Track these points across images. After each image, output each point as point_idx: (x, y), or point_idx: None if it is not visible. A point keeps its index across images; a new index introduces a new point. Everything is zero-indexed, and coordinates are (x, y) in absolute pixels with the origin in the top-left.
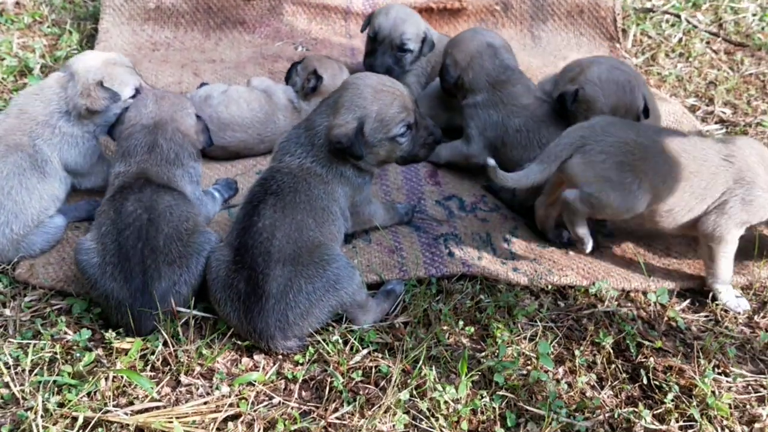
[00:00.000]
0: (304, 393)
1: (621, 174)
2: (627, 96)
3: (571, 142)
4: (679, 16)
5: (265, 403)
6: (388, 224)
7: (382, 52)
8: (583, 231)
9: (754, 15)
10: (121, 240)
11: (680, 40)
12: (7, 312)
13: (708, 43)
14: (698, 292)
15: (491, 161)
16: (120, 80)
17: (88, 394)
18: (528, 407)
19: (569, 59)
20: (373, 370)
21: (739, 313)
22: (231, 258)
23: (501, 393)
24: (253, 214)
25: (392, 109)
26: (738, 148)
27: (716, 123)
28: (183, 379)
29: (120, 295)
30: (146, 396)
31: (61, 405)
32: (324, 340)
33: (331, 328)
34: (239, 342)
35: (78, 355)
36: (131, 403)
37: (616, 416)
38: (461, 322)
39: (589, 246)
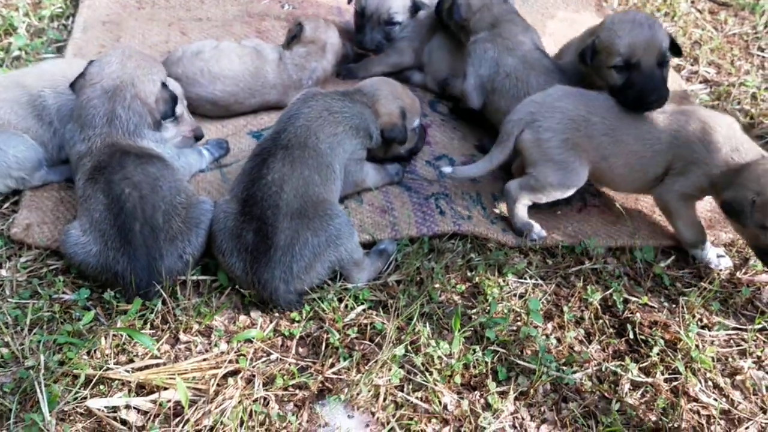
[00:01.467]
0: (301, 349)
1: (564, 152)
2: (645, 31)
3: (521, 118)
4: None
5: (264, 359)
6: (379, 185)
7: (370, 28)
8: (526, 220)
9: None
10: (119, 225)
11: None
12: (4, 272)
13: (693, 2)
14: (682, 249)
15: (447, 169)
16: None
17: (88, 352)
18: (519, 361)
19: (557, 18)
20: (368, 327)
21: (721, 270)
22: (239, 209)
23: (492, 348)
24: (262, 167)
25: (417, 103)
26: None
27: (701, 83)
28: (182, 336)
29: (126, 276)
30: (146, 353)
31: (61, 363)
32: (320, 298)
33: (326, 286)
34: (237, 300)
35: (77, 314)
36: (131, 361)
37: (603, 369)
38: (453, 280)
39: (535, 233)
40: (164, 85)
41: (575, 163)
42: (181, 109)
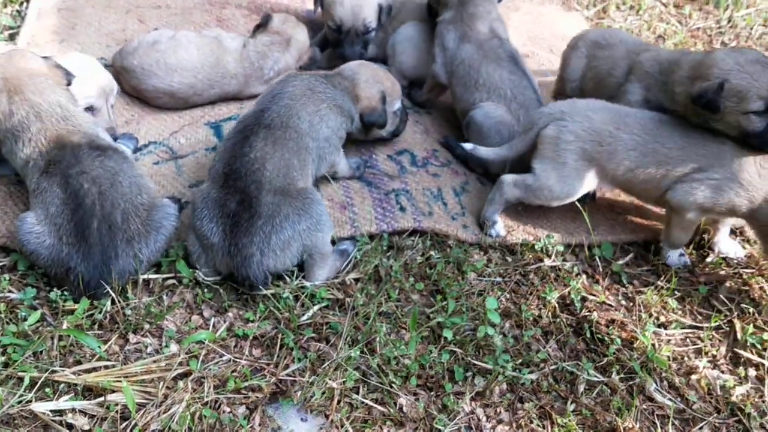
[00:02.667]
0: (255, 350)
1: (577, 161)
2: None
3: (551, 113)
4: None
5: (216, 360)
6: (345, 175)
7: (350, 42)
8: (495, 216)
9: None
10: (76, 220)
11: None
12: None
13: None
14: (641, 245)
15: (468, 145)
16: None
17: (34, 353)
18: (475, 362)
19: (522, 10)
20: (324, 326)
21: (680, 268)
22: (222, 182)
23: (450, 348)
24: (244, 145)
25: (397, 86)
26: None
27: None
28: (132, 337)
29: (78, 272)
30: (94, 355)
31: (5, 365)
32: (274, 296)
33: (282, 284)
34: (190, 299)
35: (23, 314)
36: (78, 363)
37: (560, 369)
38: (411, 279)
39: (495, 230)
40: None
41: (582, 175)
42: (101, 103)
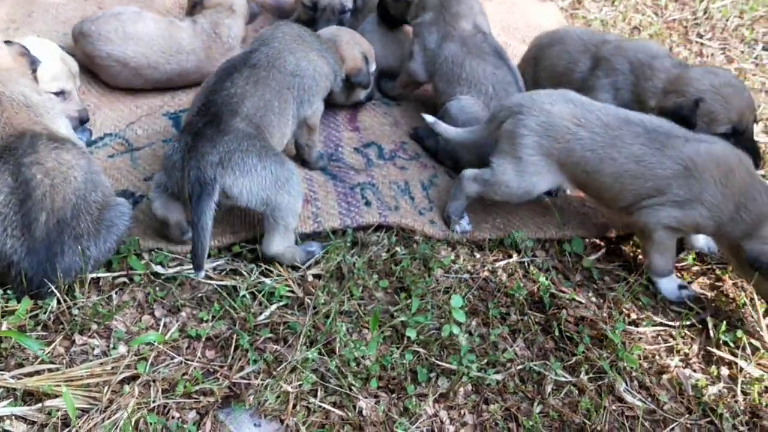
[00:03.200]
0: (208, 352)
1: (533, 156)
2: (746, 95)
3: (510, 106)
4: None
5: (167, 362)
6: (314, 155)
7: (325, 20)
8: (459, 212)
9: None
10: (24, 212)
11: None
12: None
13: None
14: (613, 241)
15: (429, 117)
16: None
17: None
18: (439, 362)
19: (496, 0)
20: (282, 326)
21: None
22: (196, 111)
23: (413, 348)
24: (226, 80)
25: (372, 48)
26: (704, 153)
27: None
28: (77, 338)
29: (21, 267)
30: (37, 358)
31: None
32: (230, 294)
33: (239, 279)
34: (141, 298)
35: None
36: (20, 366)
37: (527, 369)
38: (375, 276)
39: (460, 226)
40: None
41: (539, 171)
42: (71, 86)
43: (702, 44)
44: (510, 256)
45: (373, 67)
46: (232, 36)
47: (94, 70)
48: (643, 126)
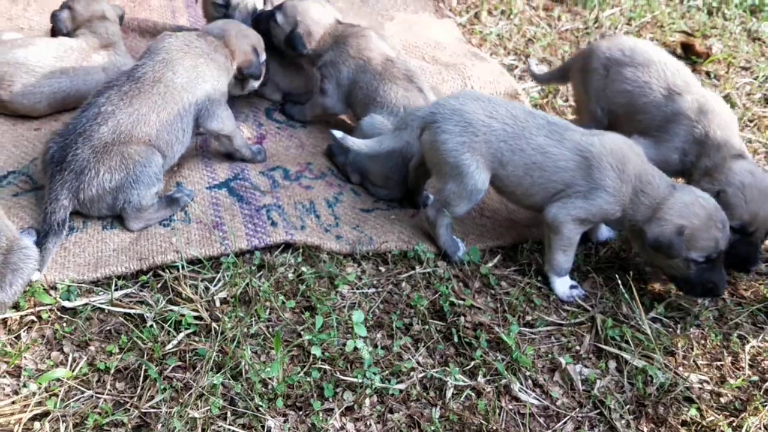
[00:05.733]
0: (118, 384)
1: (459, 156)
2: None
3: (423, 116)
4: None
5: (77, 397)
6: (241, 149)
7: (239, 20)
8: (445, 238)
9: None
10: None
11: None
12: None
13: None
14: (509, 247)
15: (338, 133)
16: None
17: None
18: (344, 377)
19: (396, 20)
20: (190, 354)
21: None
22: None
23: (318, 365)
24: (101, 96)
25: (261, 39)
26: (598, 144)
27: (533, 81)
28: None
29: None
30: None
31: None
32: (137, 326)
33: (146, 308)
34: (50, 334)
35: None
36: None
37: (428, 376)
38: (282, 297)
39: (459, 254)
40: None
41: (471, 167)
42: None
43: None
44: (413, 268)
45: (263, 57)
46: (110, 33)
47: None
48: (545, 119)
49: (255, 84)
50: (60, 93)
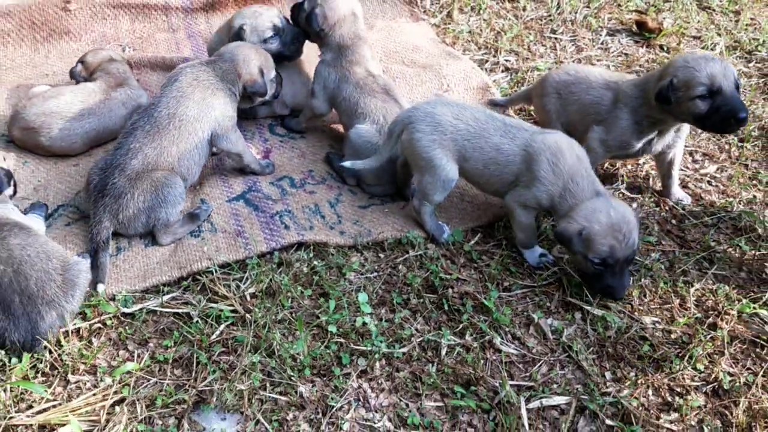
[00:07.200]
0: (176, 371)
1: (431, 151)
2: (717, 62)
3: (401, 121)
4: None
5: (145, 384)
6: (252, 165)
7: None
8: (430, 224)
9: None
10: (0, 300)
11: None
12: None
13: None
14: (487, 226)
15: (347, 163)
16: None
17: None
18: (356, 347)
19: (376, 27)
20: (231, 340)
21: (543, 266)
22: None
23: (335, 340)
24: (129, 136)
25: (270, 59)
26: (539, 140)
27: (502, 72)
28: (71, 378)
29: (12, 339)
30: (42, 398)
31: None
32: (185, 323)
33: (191, 308)
34: (115, 337)
35: None
36: (30, 407)
37: (425, 340)
38: (300, 287)
39: (445, 235)
40: None
41: (442, 160)
42: None
43: (556, 39)
44: (407, 252)
45: (271, 75)
46: (121, 71)
47: (38, 153)
48: (503, 122)
49: (264, 98)
50: (91, 132)
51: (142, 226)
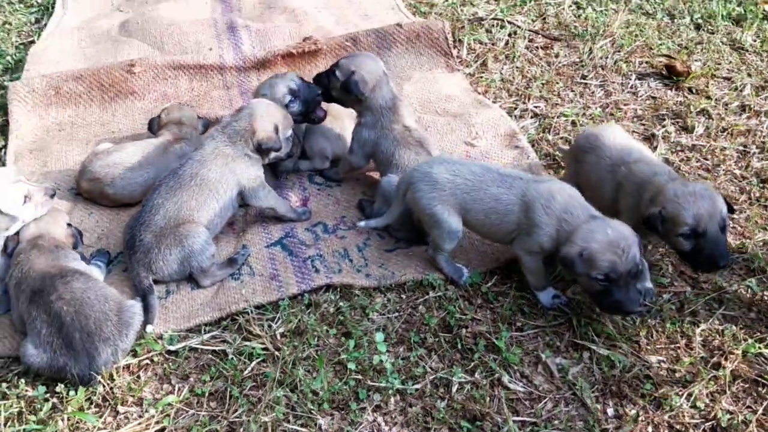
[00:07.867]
0: (211, 403)
1: (432, 207)
2: (707, 202)
3: (406, 181)
4: (502, 20)
5: (183, 415)
6: (285, 213)
7: None
8: (447, 268)
9: (570, 7)
10: (63, 336)
11: (507, 43)
12: None
13: (531, 41)
14: (504, 268)
15: (361, 223)
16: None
17: None
18: (372, 383)
19: (413, 79)
20: (260, 376)
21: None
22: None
23: (353, 376)
24: (154, 193)
25: (289, 118)
26: (533, 189)
27: (531, 118)
28: (120, 409)
29: (72, 373)
30: (95, 427)
31: None
32: (222, 360)
33: (227, 345)
34: (160, 372)
35: (38, 406)
36: None
37: (438, 378)
38: (326, 327)
39: (464, 276)
40: (69, 225)
41: (444, 214)
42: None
43: (585, 85)
44: (428, 293)
45: (288, 133)
46: (183, 132)
47: (103, 203)
48: (498, 172)
49: (281, 154)
50: (150, 181)
51: (177, 274)
